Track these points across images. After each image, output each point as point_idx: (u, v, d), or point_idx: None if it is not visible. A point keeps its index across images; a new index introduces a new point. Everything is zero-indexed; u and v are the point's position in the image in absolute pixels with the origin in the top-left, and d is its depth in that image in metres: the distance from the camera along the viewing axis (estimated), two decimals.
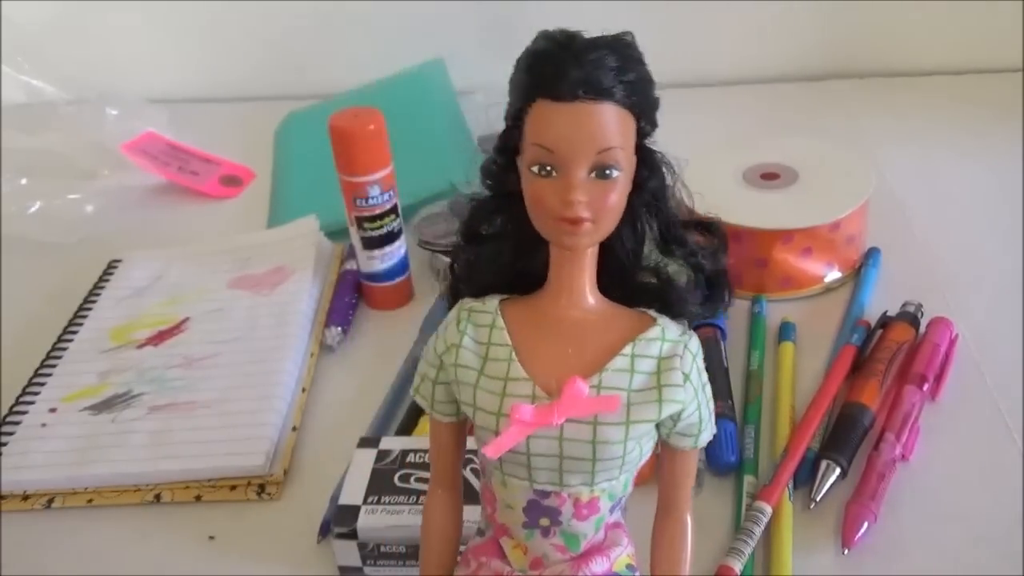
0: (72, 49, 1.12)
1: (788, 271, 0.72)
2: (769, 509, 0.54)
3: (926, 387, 0.61)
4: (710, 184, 0.76)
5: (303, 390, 0.68)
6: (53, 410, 0.67)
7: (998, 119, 0.95)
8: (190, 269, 0.81)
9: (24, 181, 0.92)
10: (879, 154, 0.90)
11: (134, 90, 1.07)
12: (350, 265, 0.79)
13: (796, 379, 0.65)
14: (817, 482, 0.56)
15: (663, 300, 0.39)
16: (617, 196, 0.35)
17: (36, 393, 0.69)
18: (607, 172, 0.35)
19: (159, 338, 0.73)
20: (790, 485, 0.56)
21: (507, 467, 0.38)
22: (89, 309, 0.78)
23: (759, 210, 0.72)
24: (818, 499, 0.56)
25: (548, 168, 0.35)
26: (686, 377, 0.37)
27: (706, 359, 0.64)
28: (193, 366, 0.70)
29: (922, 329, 0.66)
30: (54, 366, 0.72)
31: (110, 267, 0.83)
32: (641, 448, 0.38)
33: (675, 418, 0.38)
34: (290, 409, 0.66)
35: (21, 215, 0.90)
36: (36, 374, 0.71)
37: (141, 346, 0.73)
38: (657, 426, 0.38)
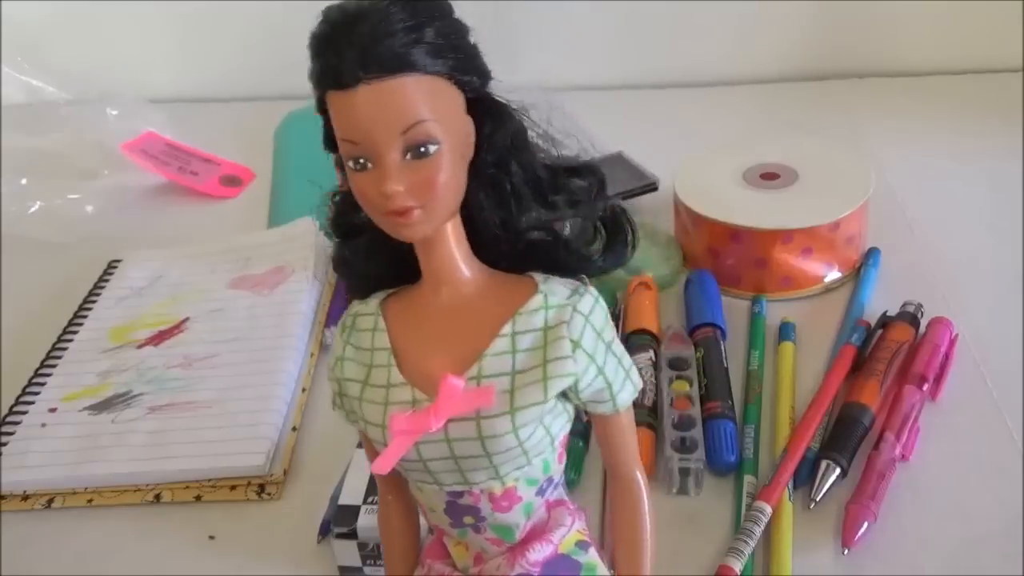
0: (72, 49, 1.12)
1: (788, 271, 0.72)
2: (769, 509, 0.54)
3: (926, 387, 0.61)
4: (710, 184, 0.76)
5: (303, 390, 0.68)
6: (53, 410, 0.67)
7: (998, 119, 0.95)
8: (190, 269, 0.81)
9: (24, 181, 0.92)
10: (879, 154, 0.90)
11: (134, 90, 1.07)
12: None
13: (796, 379, 0.65)
14: (817, 482, 0.56)
15: (552, 260, 0.36)
16: (444, 173, 0.32)
17: (36, 393, 0.69)
18: (422, 150, 0.32)
19: (159, 338, 0.73)
20: (790, 485, 0.56)
21: (412, 475, 0.37)
22: (89, 309, 0.78)
23: (759, 210, 0.72)
24: (818, 499, 0.56)
25: (361, 160, 0.32)
26: (575, 345, 0.34)
27: (706, 359, 0.65)
28: (193, 366, 0.70)
29: (922, 329, 0.66)
30: (54, 366, 0.72)
31: (110, 267, 0.83)
32: (547, 428, 0.35)
33: (575, 389, 0.35)
34: (290, 409, 0.66)
35: (21, 215, 0.90)
36: (36, 374, 0.71)
37: (141, 346, 0.73)
38: (565, 397, 0.36)
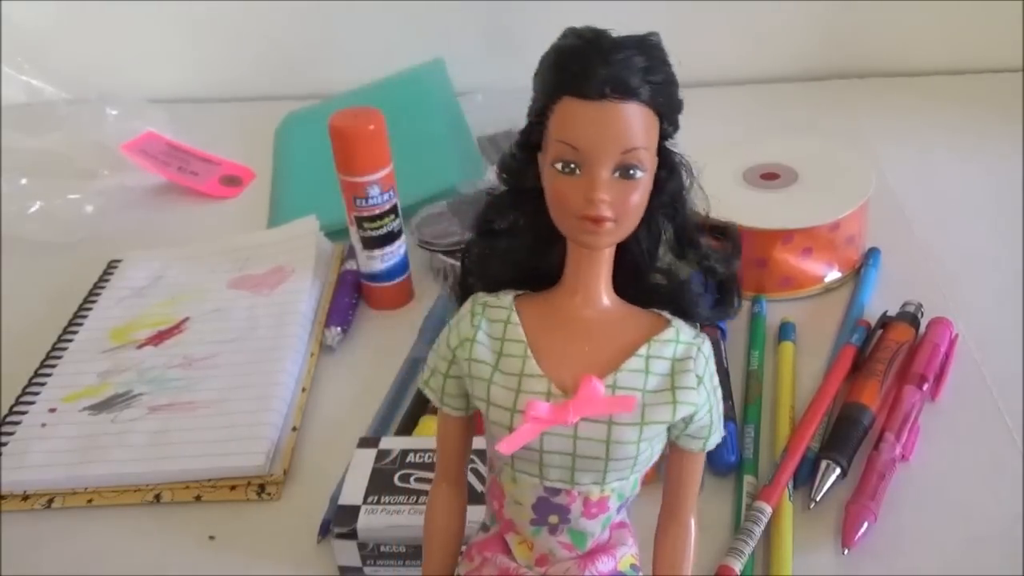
0: (72, 49, 1.12)
1: (788, 271, 0.72)
2: (769, 509, 0.54)
3: (926, 387, 0.61)
4: (710, 184, 0.76)
5: (303, 390, 0.68)
6: (53, 410, 0.67)
7: (998, 119, 0.95)
8: (190, 269, 0.81)
9: (24, 181, 0.92)
10: (879, 154, 0.90)
11: (134, 90, 1.07)
12: (350, 265, 0.79)
13: (796, 379, 0.65)
14: (817, 482, 0.56)
15: (675, 302, 0.39)
16: (640, 196, 0.35)
17: (36, 393, 0.69)
18: (631, 172, 0.35)
19: (159, 338, 0.73)
20: (790, 485, 0.56)
21: (519, 464, 0.38)
22: (89, 309, 0.78)
23: (759, 210, 0.72)
24: (818, 499, 0.56)
25: (572, 166, 0.35)
26: (699, 380, 0.37)
27: None
28: (193, 366, 0.70)
29: (922, 329, 0.66)
30: (54, 366, 0.72)
31: (110, 267, 0.83)
32: (652, 449, 0.38)
33: (687, 420, 0.38)
34: (290, 409, 0.66)
35: (21, 215, 0.90)
36: (36, 374, 0.71)
37: (141, 346, 0.73)
38: (669, 428, 0.38)
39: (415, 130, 0.91)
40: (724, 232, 0.40)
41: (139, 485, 0.61)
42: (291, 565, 0.56)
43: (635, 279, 0.39)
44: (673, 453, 0.40)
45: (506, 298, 0.39)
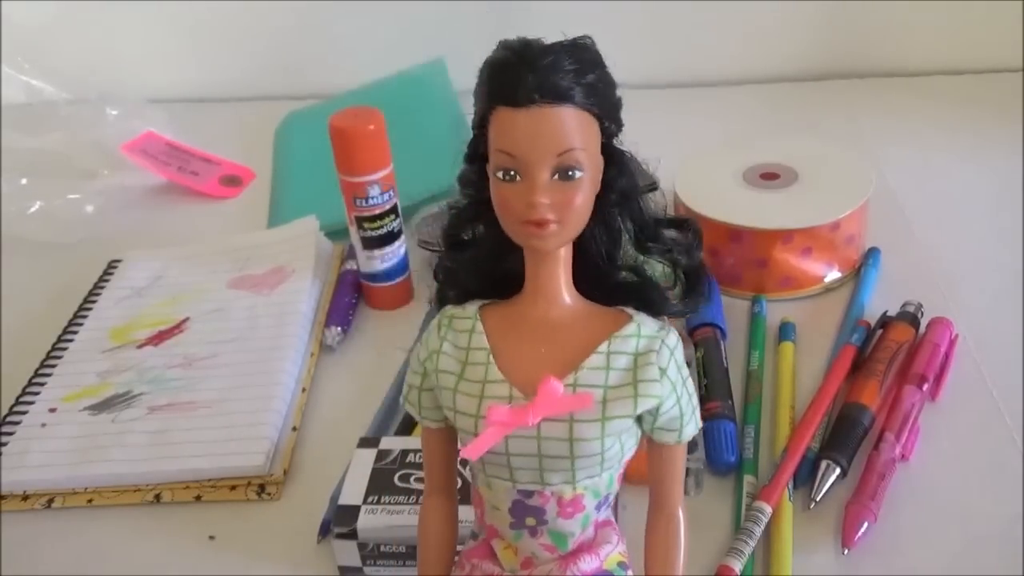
0: (72, 49, 1.12)
1: (788, 271, 0.72)
2: (769, 509, 0.54)
3: (926, 387, 0.61)
4: (710, 184, 0.76)
5: (303, 390, 0.68)
6: (53, 410, 0.67)
7: (998, 119, 0.95)
8: (190, 269, 0.81)
9: (24, 181, 0.92)
10: (879, 154, 0.90)
11: (134, 90, 1.07)
12: (350, 265, 0.79)
13: (796, 379, 0.65)
14: (817, 482, 0.56)
15: (642, 298, 0.39)
16: (582, 197, 0.36)
17: (36, 393, 0.69)
18: (569, 173, 0.35)
19: (159, 338, 0.73)
20: (790, 485, 0.56)
21: (489, 468, 0.39)
22: (89, 309, 0.78)
23: (759, 210, 0.72)
24: (818, 499, 0.56)
25: (512, 173, 0.36)
26: (662, 372, 0.38)
27: (706, 359, 0.65)
28: (193, 366, 0.70)
29: (922, 329, 0.66)
30: (54, 366, 0.72)
31: (110, 267, 0.83)
32: (622, 444, 0.38)
33: (654, 413, 0.38)
34: (290, 409, 0.66)
35: (21, 215, 0.90)
36: (36, 374, 0.71)
37: (141, 346, 0.73)
38: (639, 422, 0.38)
39: (415, 130, 0.91)
40: (684, 224, 0.40)
41: (139, 485, 0.61)
42: (291, 565, 0.56)
43: (599, 279, 0.39)
44: (652, 448, 0.40)
45: (471, 308, 0.40)
